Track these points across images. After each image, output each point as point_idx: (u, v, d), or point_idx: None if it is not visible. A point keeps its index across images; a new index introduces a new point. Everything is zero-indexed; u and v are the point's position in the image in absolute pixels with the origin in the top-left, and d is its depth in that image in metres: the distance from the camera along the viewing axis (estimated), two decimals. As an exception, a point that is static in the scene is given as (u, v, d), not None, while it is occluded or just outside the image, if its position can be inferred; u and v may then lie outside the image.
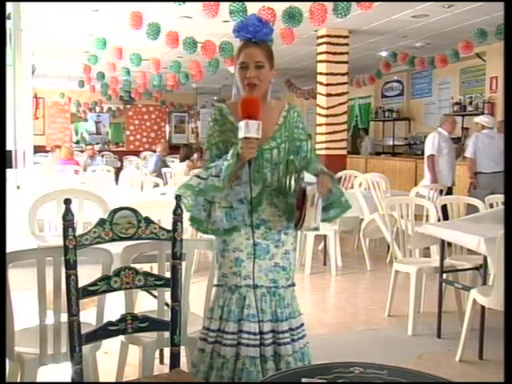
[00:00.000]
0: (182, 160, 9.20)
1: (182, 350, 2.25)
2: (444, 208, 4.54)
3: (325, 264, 5.93)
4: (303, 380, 1.48)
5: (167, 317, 2.10)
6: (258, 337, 2.21)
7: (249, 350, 2.20)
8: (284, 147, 2.28)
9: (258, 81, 2.21)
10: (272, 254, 2.28)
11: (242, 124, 2.09)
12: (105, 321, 2.01)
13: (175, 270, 2.04)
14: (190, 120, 18.29)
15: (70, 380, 1.88)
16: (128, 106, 17.22)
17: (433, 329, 3.85)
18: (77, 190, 4.02)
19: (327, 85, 8.24)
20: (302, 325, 2.35)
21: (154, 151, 9.73)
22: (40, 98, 16.15)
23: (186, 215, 2.16)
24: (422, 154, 7.74)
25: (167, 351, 2.27)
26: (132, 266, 2.05)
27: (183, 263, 2.14)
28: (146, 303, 3.00)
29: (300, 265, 5.88)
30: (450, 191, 6.36)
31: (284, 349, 2.24)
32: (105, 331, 1.95)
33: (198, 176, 2.20)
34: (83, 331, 1.89)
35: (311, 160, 2.34)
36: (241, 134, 2.10)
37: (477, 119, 7.09)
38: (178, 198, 2.08)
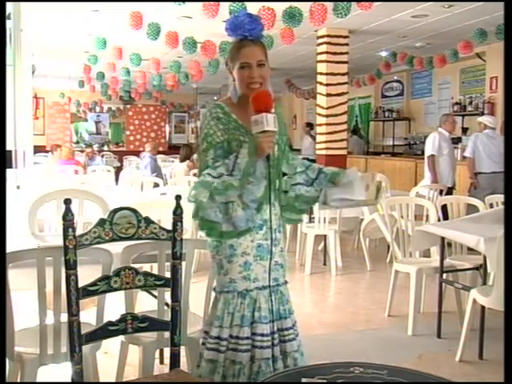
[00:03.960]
0: (182, 160, 9.20)
1: (182, 349, 2.25)
2: (444, 208, 4.54)
3: (325, 264, 5.93)
4: (303, 380, 1.48)
5: (167, 317, 2.10)
6: (270, 338, 2.20)
7: (263, 353, 2.18)
8: (281, 142, 2.28)
9: (261, 79, 2.19)
10: (272, 254, 2.28)
11: (260, 118, 2.05)
12: (105, 321, 2.01)
13: (175, 270, 2.04)
14: (190, 120, 18.29)
15: (70, 380, 1.88)
16: (128, 106, 17.22)
17: (433, 329, 3.85)
18: (77, 190, 4.02)
19: (327, 85, 8.24)
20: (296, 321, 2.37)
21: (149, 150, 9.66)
22: (40, 98, 16.15)
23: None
24: (422, 154, 7.74)
25: (167, 351, 2.27)
26: (132, 265, 2.05)
27: (183, 263, 2.14)
28: (145, 303, 3.00)
29: (300, 265, 5.89)
30: (450, 192, 6.36)
31: (290, 345, 2.25)
32: (105, 331, 1.95)
33: (208, 174, 2.10)
34: (83, 331, 1.89)
35: (289, 154, 2.37)
36: (259, 128, 2.05)
37: (480, 119, 7.09)
38: (177, 197, 2.07)
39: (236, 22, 2.19)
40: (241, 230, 2.16)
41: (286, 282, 2.35)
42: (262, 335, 2.19)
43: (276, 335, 2.24)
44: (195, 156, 9.20)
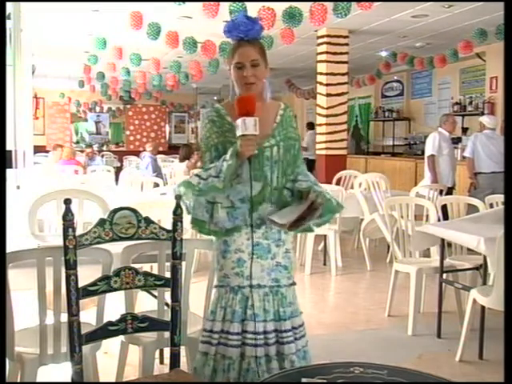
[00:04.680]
0: (181, 160, 9.20)
1: (182, 349, 2.25)
2: (444, 208, 4.54)
3: (325, 264, 5.93)
4: (303, 380, 1.48)
5: (167, 317, 2.10)
6: (261, 336, 2.22)
7: (254, 350, 2.20)
8: (283, 145, 2.29)
9: (254, 79, 2.22)
10: (273, 254, 2.29)
11: (239, 122, 2.10)
12: (105, 321, 2.01)
13: (175, 270, 2.04)
14: (190, 120, 18.29)
15: (70, 380, 1.88)
16: (128, 106, 17.22)
17: (433, 329, 3.85)
18: (77, 189, 4.01)
19: (327, 85, 8.24)
20: (303, 323, 2.36)
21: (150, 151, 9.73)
22: (40, 98, 16.15)
23: (187, 216, 2.16)
24: (422, 154, 7.74)
25: (167, 351, 2.27)
26: (132, 265, 2.05)
27: (183, 263, 2.14)
28: (146, 303, 3.00)
29: (300, 265, 5.88)
30: (450, 192, 6.35)
31: (288, 348, 2.25)
32: (105, 331, 1.95)
33: (197, 175, 2.21)
34: (83, 331, 1.89)
35: (299, 160, 2.38)
36: (238, 132, 2.11)
37: (480, 119, 7.09)
38: (177, 197, 2.08)
39: (232, 23, 2.23)
40: (227, 228, 2.22)
41: (290, 284, 2.34)
42: (254, 333, 2.21)
43: (272, 335, 2.24)
44: (195, 156, 9.21)
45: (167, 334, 2.08)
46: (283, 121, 2.33)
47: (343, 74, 8.34)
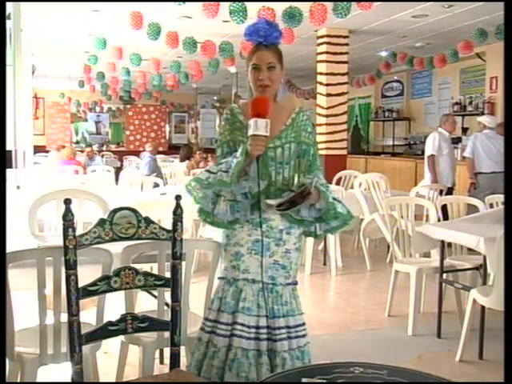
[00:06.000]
0: (181, 160, 9.20)
1: (182, 349, 2.25)
2: (444, 208, 4.54)
3: (325, 264, 5.93)
4: (303, 380, 1.48)
5: (167, 317, 2.10)
6: (252, 330, 2.28)
7: (241, 342, 2.26)
8: (289, 147, 2.34)
9: (269, 81, 2.32)
10: (272, 252, 2.33)
11: (251, 122, 2.18)
12: (105, 321, 2.01)
13: (175, 270, 2.04)
14: (190, 120, 18.28)
15: (70, 380, 1.88)
16: (128, 106, 17.22)
17: (433, 329, 3.85)
18: (77, 190, 4.01)
19: (327, 85, 8.24)
20: (303, 324, 2.38)
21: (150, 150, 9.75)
22: (40, 98, 16.15)
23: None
24: (422, 154, 7.74)
25: (167, 351, 2.27)
26: (132, 265, 2.05)
27: (183, 263, 2.14)
28: (146, 303, 3.00)
29: (300, 265, 5.87)
30: (450, 192, 6.35)
31: (280, 345, 2.28)
32: (105, 331, 1.95)
33: (208, 170, 2.30)
34: (83, 331, 1.89)
35: (314, 166, 2.40)
36: (250, 132, 2.18)
37: (479, 119, 7.09)
38: (178, 197, 2.08)
39: (253, 28, 2.34)
40: (228, 220, 2.31)
41: (288, 284, 2.36)
42: (243, 325, 2.27)
43: (264, 331, 2.29)
44: (197, 157, 9.22)
45: (167, 334, 2.08)
46: (294, 124, 2.37)
47: (343, 74, 8.34)
